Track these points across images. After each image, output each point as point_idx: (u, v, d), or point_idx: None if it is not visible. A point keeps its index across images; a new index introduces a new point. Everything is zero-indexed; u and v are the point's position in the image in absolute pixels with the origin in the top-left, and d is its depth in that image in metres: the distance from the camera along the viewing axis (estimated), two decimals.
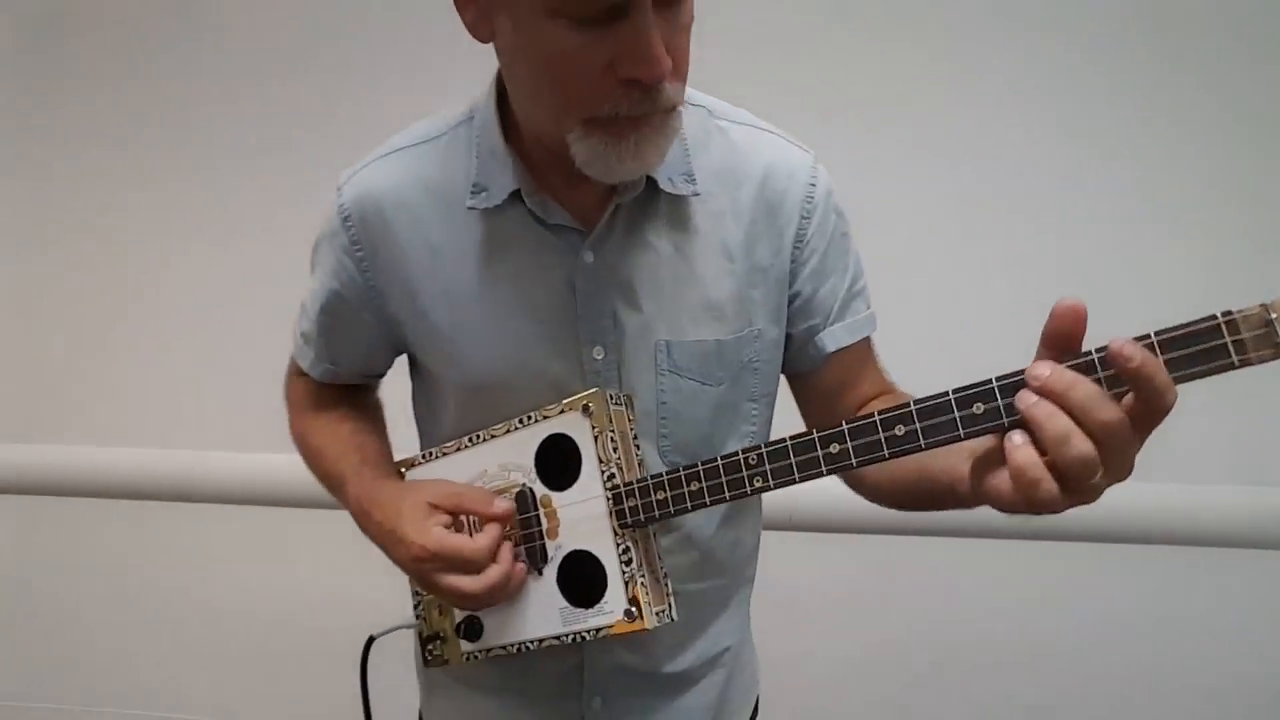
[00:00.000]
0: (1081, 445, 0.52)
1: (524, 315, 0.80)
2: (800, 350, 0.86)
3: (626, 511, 0.74)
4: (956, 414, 0.61)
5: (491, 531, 0.75)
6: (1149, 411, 0.53)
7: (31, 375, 2.34)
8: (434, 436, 0.91)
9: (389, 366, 0.95)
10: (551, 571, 0.78)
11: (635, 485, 0.73)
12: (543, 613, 0.78)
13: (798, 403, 0.91)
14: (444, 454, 0.85)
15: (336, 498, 0.88)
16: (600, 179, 0.72)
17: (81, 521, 2.25)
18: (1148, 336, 0.56)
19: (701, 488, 0.70)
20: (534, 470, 0.79)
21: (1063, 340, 0.56)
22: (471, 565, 0.73)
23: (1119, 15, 1.77)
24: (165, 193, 2.29)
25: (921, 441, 0.61)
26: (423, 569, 0.74)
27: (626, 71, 0.64)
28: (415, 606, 0.89)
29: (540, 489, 0.79)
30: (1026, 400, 0.54)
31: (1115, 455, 0.53)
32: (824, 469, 0.65)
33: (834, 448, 0.65)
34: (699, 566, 0.86)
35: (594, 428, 0.76)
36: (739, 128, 0.83)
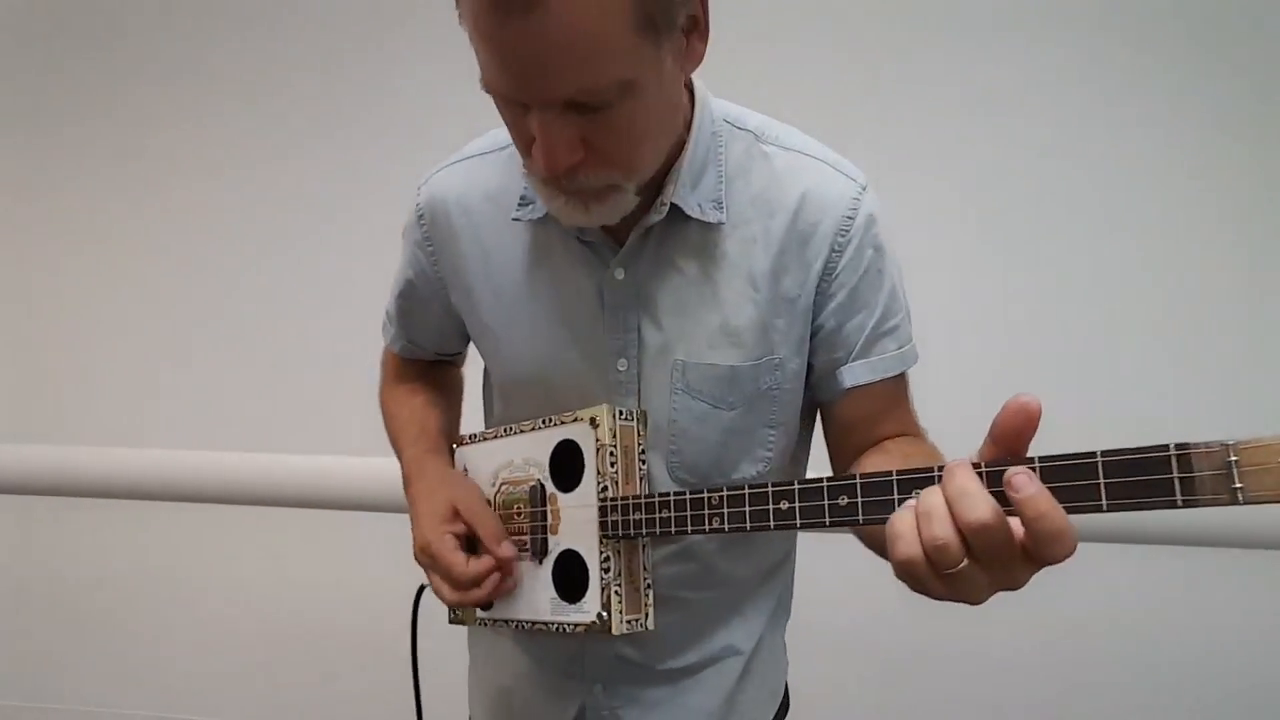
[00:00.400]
0: (942, 530, 0.51)
1: (559, 322, 0.86)
2: (822, 382, 0.86)
3: (610, 524, 0.79)
4: (895, 495, 0.60)
5: (486, 562, 0.83)
6: (1036, 549, 0.51)
7: (31, 375, 2.43)
8: (490, 418, 1.00)
9: (462, 349, 1.05)
10: (549, 563, 0.85)
11: (620, 502, 0.78)
12: (537, 599, 0.85)
13: (824, 429, 0.91)
14: (485, 439, 0.94)
15: (398, 459, 1.00)
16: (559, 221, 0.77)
17: (81, 521, 2.29)
18: (1092, 455, 0.53)
19: (670, 517, 0.74)
20: (548, 469, 0.86)
21: (1010, 438, 0.54)
22: (457, 583, 0.82)
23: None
24: (165, 195, 2.38)
25: (859, 516, 0.62)
26: (422, 558, 0.84)
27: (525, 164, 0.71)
28: None
29: (550, 487, 0.86)
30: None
31: (991, 562, 0.51)
32: (770, 524, 0.67)
33: (784, 504, 0.66)
34: (700, 577, 0.90)
35: (597, 441, 0.81)
36: (785, 154, 0.83)
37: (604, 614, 0.79)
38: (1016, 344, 1.84)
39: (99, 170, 2.44)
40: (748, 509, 0.68)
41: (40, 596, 2.41)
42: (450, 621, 0.97)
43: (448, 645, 1.05)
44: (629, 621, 0.79)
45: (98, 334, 2.42)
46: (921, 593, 0.55)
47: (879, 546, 0.79)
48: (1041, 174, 1.92)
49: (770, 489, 0.67)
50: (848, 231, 0.81)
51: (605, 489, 0.80)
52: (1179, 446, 0.51)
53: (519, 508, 0.88)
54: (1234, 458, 0.49)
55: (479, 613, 0.92)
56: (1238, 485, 0.49)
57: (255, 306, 2.22)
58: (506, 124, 0.72)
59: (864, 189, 0.83)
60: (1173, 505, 0.50)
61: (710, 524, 0.71)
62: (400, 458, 0.97)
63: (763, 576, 0.95)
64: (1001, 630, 1.82)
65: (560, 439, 0.85)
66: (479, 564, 0.83)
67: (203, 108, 2.38)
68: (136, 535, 2.31)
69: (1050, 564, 0.52)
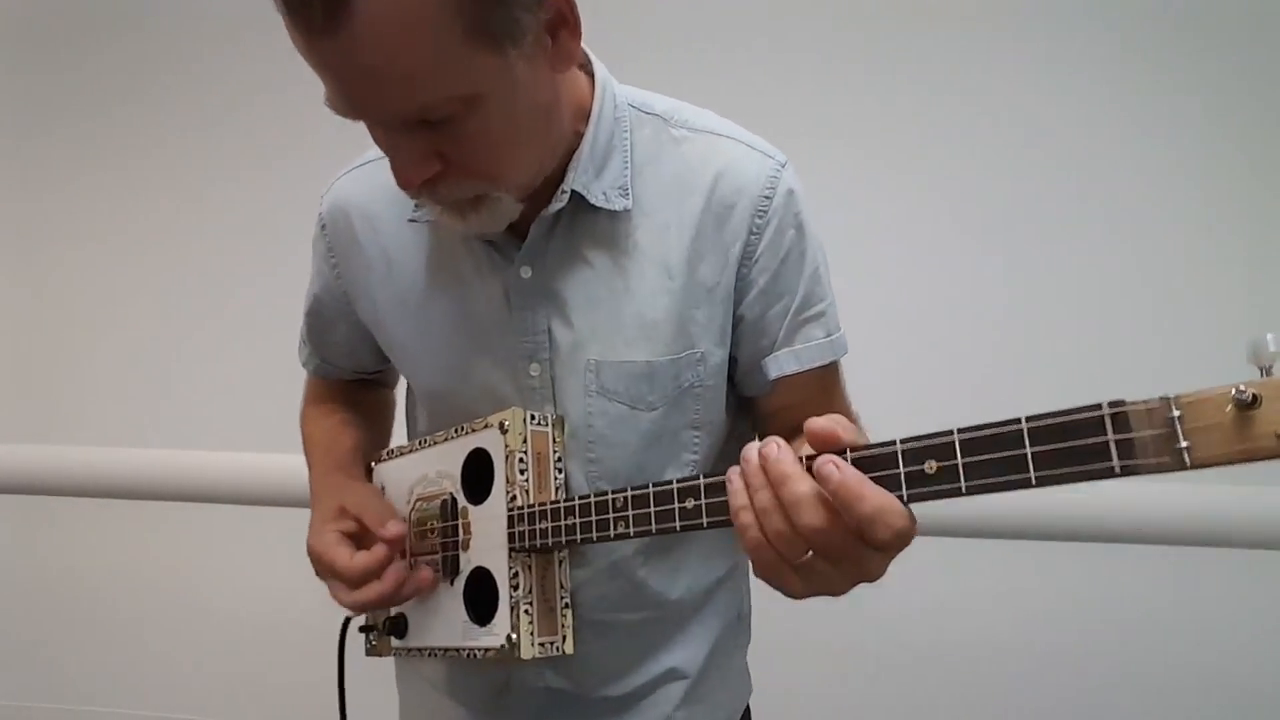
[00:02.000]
0: (778, 524, 0.52)
1: (465, 328, 0.80)
2: (747, 375, 0.79)
3: (518, 535, 0.71)
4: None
5: (377, 552, 0.75)
6: (865, 534, 0.49)
7: (31, 375, 2.40)
8: (415, 433, 0.93)
9: (382, 367, 0.98)
10: (461, 583, 0.77)
11: (530, 510, 0.71)
12: (449, 622, 0.78)
13: (754, 426, 0.84)
14: (400, 454, 0.87)
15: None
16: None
17: (81, 521, 2.26)
18: (1016, 421, 0.45)
19: (576, 524, 0.67)
20: (459, 480, 0.79)
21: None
22: (344, 579, 0.74)
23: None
24: (167, 195, 2.37)
25: (704, 520, 0.59)
26: (316, 567, 0.77)
27: None
28: None
29: (462, 500, 0.78)
30: (750, 463, 0.54)
31: (836, 559, 0.52)
32: (677, 524, 0.60)
33: (689, 503, 0.59)
34: (631, 597, 0.81)
35: (506, 447, 0.74)
36: (697, 136, 0.76)
37: (513, 635, 0.71)
38: (1011, 343, 1.78)
39: (100, 170, 2.43)
40: (652, 509, 0.61)
41: (40, 596, 2.38)
42: (367, 653, 0.89)
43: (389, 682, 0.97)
44: (542, 644, 0.71)
45: (98, 334, 2.40)
46: (780, 587, 0.55)
47: None
48: (1042, 172, 1.88)
49: (675, 486, 0.60)
50: (766, 211, 0.75)
51: (514, 498, 0.73)
52: (1113, 404, 0.43)
53: (431, 524, 0.81)
54: (1176, 413, 0.41)
55: (394, 641, 0.85)
56: (1183, 445, 0.41)
57: (256, 306, 2.19)
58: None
59: (783, 165, 0.76)
60: (1110, 474, 0.43)
61: (616, 528, 0.63)
62: (309, 470, 0.90)
63: (703, 595, 0.87)
64: (1001, 631, 1.79)
65: (471, 448, 0.78)
66: (367, 555, 0.75)
67: (206, 107, 2.38)
68: (137, 535, 2.31)
69: (887, 549, 0.51)
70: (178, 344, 2.34)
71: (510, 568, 0.72)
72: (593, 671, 0.83)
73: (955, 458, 0.47)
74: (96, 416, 2.36)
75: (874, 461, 0.50)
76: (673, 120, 0.77)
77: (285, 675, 2.20)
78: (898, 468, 0.49)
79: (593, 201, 0.74)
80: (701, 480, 0.59)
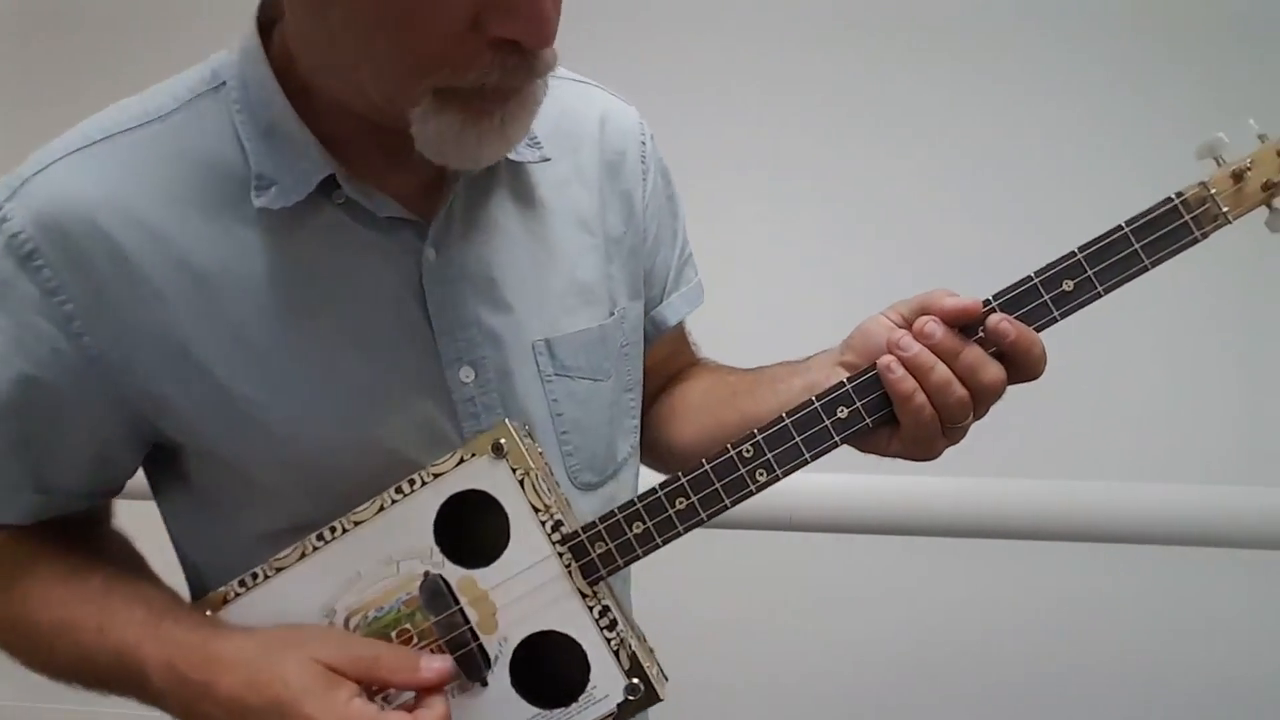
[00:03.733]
0: (960, 391, 0.56)
1: (361, 347, 0.59)
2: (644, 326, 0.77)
3: (596, 563, 0.57)
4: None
5: (437, 709, 0.54)
6: (1020, 374, 0.57)
7: None
8: (218, 564, 0.63)
9: (132, 473, 0.64)
10: (502, 675, 0.57)
11: (602, 527, 0.57)
12: None
13: None
14: (278, 569, 0.59)
15: (110, 689, 0.57)
16: (446, 163, 0.56)
17: None
18: (1119, 228, 0.56)
19: (692, 503, 0.57)
20: (436, 551, 0.58)
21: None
22: None
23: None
24: None
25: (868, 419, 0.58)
26: None
27: (500, 29, 0.49)
28: None
29: (454, 572, 0.58)
30: (910, 348, 0.56)
31: (986, 405, 0.57)
32: (836, 438, 0.57)
33: (842, 412, 0.57)
34: None
35: (515, 470, 0.58)
36: (562, 82, 0.70)
37: (636, 682, 0.56)
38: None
39: None
40: (797, 440, 0.56)
41: None
42: None
43: None
44: (665, 675, 0.58)
45: None
46: (927, 455, 0.59)
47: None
48: (1040, 172, 1.71)
49: (818, 405, 0.57)
50: (646, 158, 0.74)
51: (559, 524, 0.58)
52: (1177, 195, 0.57)
53: (406, 627, 0.58)
54: (1212, 191, 0.57)
55: None
56: (1224, 210, 0.57)
57: None
58: (415, 11, 0.48)
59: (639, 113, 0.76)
60: (1195, 242, 0.57)
61: (756, 478, 0.56)
62: (127, 671, 0.55)
63: None
64: (1001, 631, 1.75)
65: (444, 500, 0.58)
66: (432, 712, 0.53)
67: None
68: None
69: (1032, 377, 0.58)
70: None
71: (592, 608, 0.57)
72: None
73: (1086, 270, 0.56)
74: None
75: (1021, 299, 0.56)
76: None
77: None
78: (1043, 295, 0.56)
79: (512, 155, 0.62)
80: (848, 386, 0.56)
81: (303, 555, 0.59)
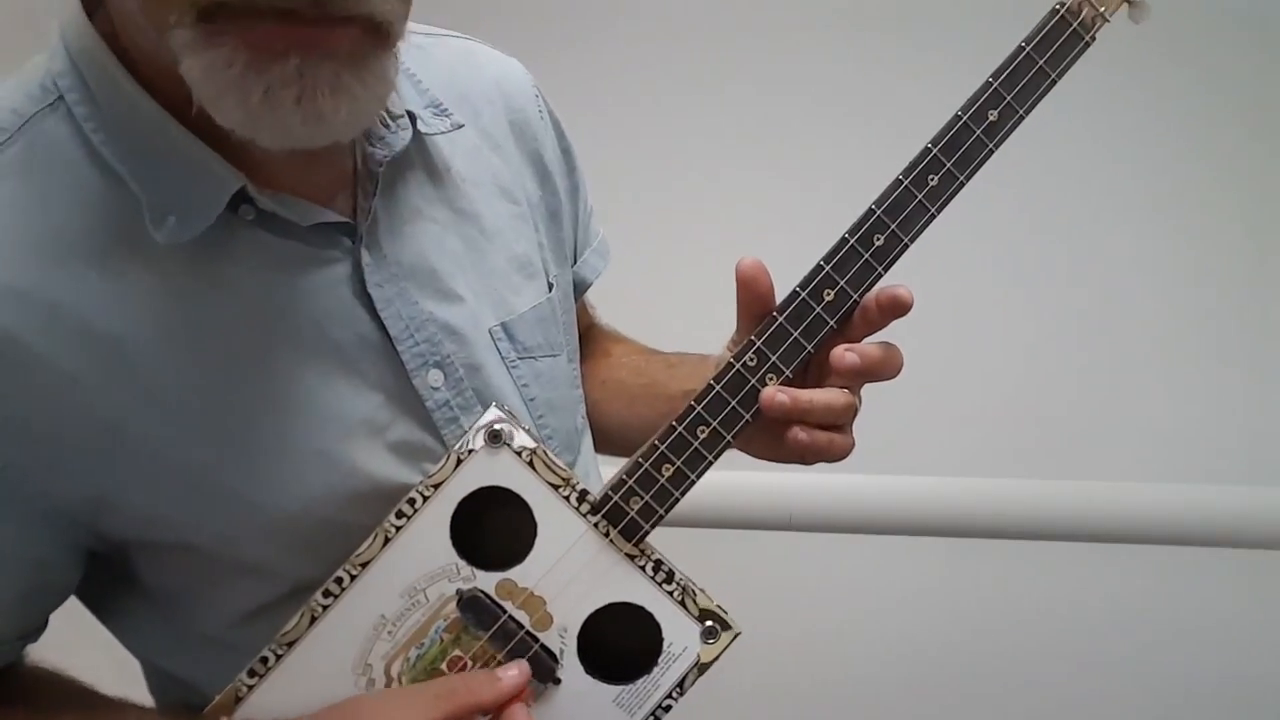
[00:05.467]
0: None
1: (315, 374, 0.52)
2: None
3: (637, 520, 0.54)
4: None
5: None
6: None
7: None
8: (204, 667, 0.55)
9: (68, 595, 0.55)
10: (573, 667, 0.53)
11: (632, 481, 0.53)
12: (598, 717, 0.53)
13: None
14: (289, 644, 0.52)
15: None
16: (252, 136, 0.43)
17: None
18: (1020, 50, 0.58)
19: (714, 428, 0.54)
20: (462, 564, 0.53)
21: (758, 304, 0.55)
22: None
23: None
24: None
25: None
26: None
27: None
28: None
29: (489, 580, 0.53)
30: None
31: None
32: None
33: (828, 295, 0.56)
34: None
35: (520, 453, 0.53)
36: (437, 41, 0.64)
37: (712, 625, 0.54)
38: (1015, 337, 1.45)
39: None
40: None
41: None
42: None
43: None
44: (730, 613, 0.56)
45: None
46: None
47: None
48: (1040, 172, 1.60)
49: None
50: (543, 113, 0.69)
51: (583, 495, 0.54)
52: (1060, 4, 0.60)
53: (457, 654, 0.53)
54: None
55: None
56: (1100, 10, 0.60)
57: None
58: None
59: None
60: (1087, 46, 0.60)
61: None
62: None
63: None
64: (1001, 631, 1.72)
65: (453, 510, 0.53)
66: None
67: None
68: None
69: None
70: None
71: (642, 565, 0.54)
72: None
73: (1005, 97, 0.58)
74: None
75: (955, 139, 0.57)
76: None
77: None
78: (975, 130, 0.57)
79: (422, 129, 0.56)
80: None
81: (312, 620, 0.52)
